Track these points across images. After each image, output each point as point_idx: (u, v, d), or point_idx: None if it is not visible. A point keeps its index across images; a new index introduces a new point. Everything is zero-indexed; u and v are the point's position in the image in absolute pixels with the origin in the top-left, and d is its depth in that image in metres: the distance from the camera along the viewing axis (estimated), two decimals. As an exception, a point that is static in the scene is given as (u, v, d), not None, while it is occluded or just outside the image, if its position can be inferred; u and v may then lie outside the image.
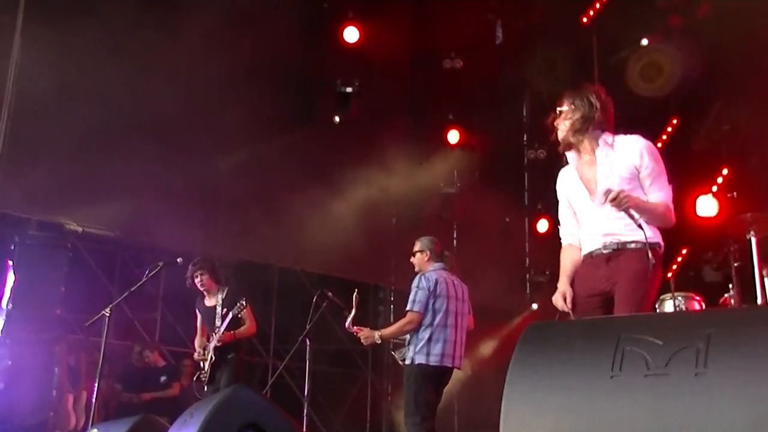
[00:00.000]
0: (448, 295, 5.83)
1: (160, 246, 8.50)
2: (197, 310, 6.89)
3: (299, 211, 9.80)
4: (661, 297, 6.55)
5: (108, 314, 5.77)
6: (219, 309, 6.64)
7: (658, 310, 6.47)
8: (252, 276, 10.17)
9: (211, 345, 6.58)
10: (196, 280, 6.72)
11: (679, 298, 6.37)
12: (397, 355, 5.85)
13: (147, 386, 8.81)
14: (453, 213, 11.40)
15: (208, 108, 9.17)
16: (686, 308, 6.31)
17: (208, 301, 6.83)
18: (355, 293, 5.86)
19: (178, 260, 6.31)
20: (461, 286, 5.97)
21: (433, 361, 5.66)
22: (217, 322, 6.61)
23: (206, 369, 6.63)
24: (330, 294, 6.33)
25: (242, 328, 6.68)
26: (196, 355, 6.78)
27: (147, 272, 6.06)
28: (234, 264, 9.32)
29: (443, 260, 6.05)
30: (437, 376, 5.69)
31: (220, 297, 6.69)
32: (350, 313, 5.78)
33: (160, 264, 6.13)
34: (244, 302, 6.49)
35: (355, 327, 5.79)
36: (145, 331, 9.75)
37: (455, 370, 5.81)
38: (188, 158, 8.98)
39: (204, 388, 6.65)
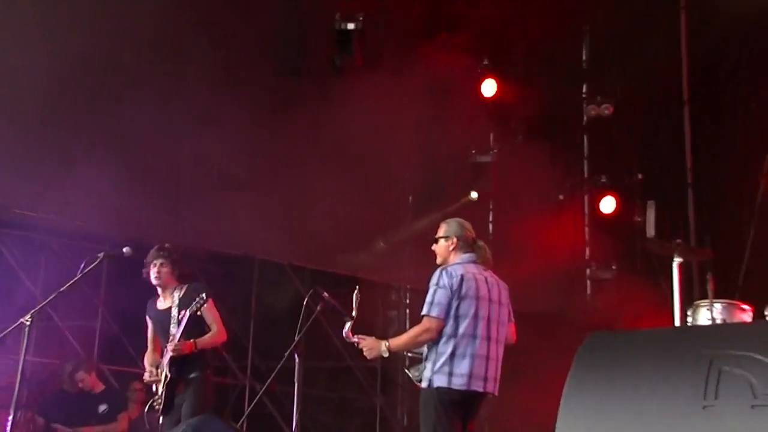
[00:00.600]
0: (477, 295, 5.81)
1: (101, 234, 8.52)
2: (147, 317, 6.98)
3: (286, 189, 9.91)
4: (695, 303, 6.75)
5: (28, 323, 5.85)
6: (174, 312, 6.75)
7: (690, 320, 6.57)
8: (226, 272, 10.22)
9: (166, 360, 6.66)
10: (153, 270, 6.85)
11: (718, 305, 6.56)
12: (412, 373, 5.90)
13: (81, 419, 8.82)
14: (488, 189, 11.43)
15: (169, 53, 9.24)
16: (729, 320, 6.44)
17: (162, 303, 6.93)
18: (355, 292, 5.91)
19: (125, 250, 6.35)
20: (498, 285, 5.97)
21: (458, 383, 5.66)
22: (173, 330, 6.72)
23: (160, 393, 6.70)
24: (326, 294, 6.41)
25: (206, 336, 6.76)
26: (146, 376, 6.84)
27: (82, 267, 6.15)
28: (202, 256, 9.34)
29: (474, 250, 6.02)
30: (463, 403, 5.69)
31: (176, 296, 6.81)
32: (351, 318, 5.87)
33: (101, 255, 6.22)
34: (204, 296, 6.57)
35: (355, 336, 5.84)
36: (80, 345, 9.77)
37: (488, 396, 5.80)
38: (137, 116, 9.06)
39: (159, 418, 6.72)
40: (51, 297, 6.13)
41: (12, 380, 6.24)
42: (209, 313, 6.78)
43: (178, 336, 6.64)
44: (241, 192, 9.58)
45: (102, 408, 8.92)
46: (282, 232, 9.81)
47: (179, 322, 6.68)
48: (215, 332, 6.80)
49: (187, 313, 6.59)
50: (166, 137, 9.34)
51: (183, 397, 6.71)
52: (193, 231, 9.51)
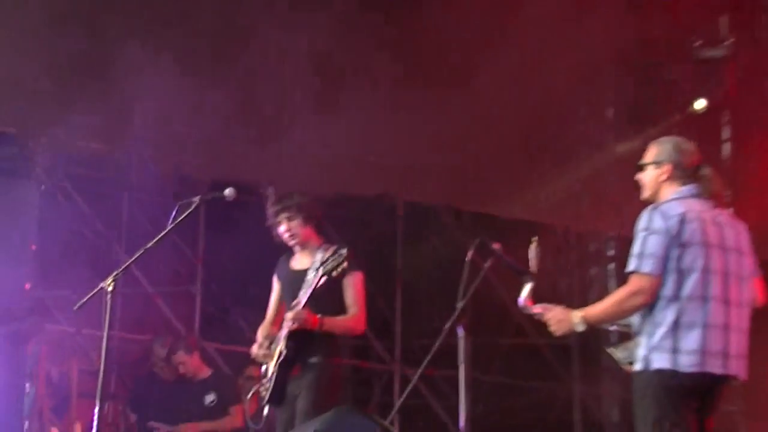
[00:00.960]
0: (706, 242, 5.75)
1: (194, 174, 8.94)
2: (276, 277, 7.28)
3: (435, 109, 10.04)
4: None
5: (110, 288, 5.91)
6: (311, 275, 6.92)
7: None
8: (359, 219, 10.48)
9: (283, 332, 6.88)
10: (282, 229, 7.12)
11: None
12: (620, 354, 5.95)
13: (183, 413, 9.08)
14: (720, 95, 11.32)
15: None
16: None
17: (298, 261, 7.18)
18: (533, 244, 6.02)
19: (227, 192, 6.45)
20: (734, 227, 5.92)
21: (686, 363, 5.60)
22: (302, 295, 6.90)
23: (270, 375, 6.94)
24: (497, 246, 6.42)
25: (339, 318, 6.95)
26: (254, 348, 7.13)
27: (174, 215, 6.24)
28: (324, 199, 9.46)
29: (698, 180, 5.93)
30: (695, 391, 5.66)
31: (318, 257, 6.98)
32: (530, 278, 5.96)
33: (196, 200, 6.32)
34: (344, 252, 6.73)
35: (536, 305, 5.89)
36: (176, 317, 10.07)
37: (733, 381, 5.75)
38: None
39: (263, 411, 6.99)
40: (136, 255, 6.25)
41: (95, 365, 6.37)
42: (352, 288, 6.94)
43: (303, 301, 6.82)
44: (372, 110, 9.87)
45: (209, 399, 9.16)
46: (430, 165, 10.10)
47: (313, 292, 6.86)
48: (353, 316, 6.97)
49: (323, 277, 6.76)
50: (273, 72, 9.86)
51: (298, 385, 6.91)
52: (303, 169, 9.87)
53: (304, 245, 7.17)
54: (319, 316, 6.84)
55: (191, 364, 9.18)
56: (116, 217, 10.14)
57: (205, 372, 9.29)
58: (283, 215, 7.14)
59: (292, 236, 7.16)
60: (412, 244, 10.96)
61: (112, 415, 8.90)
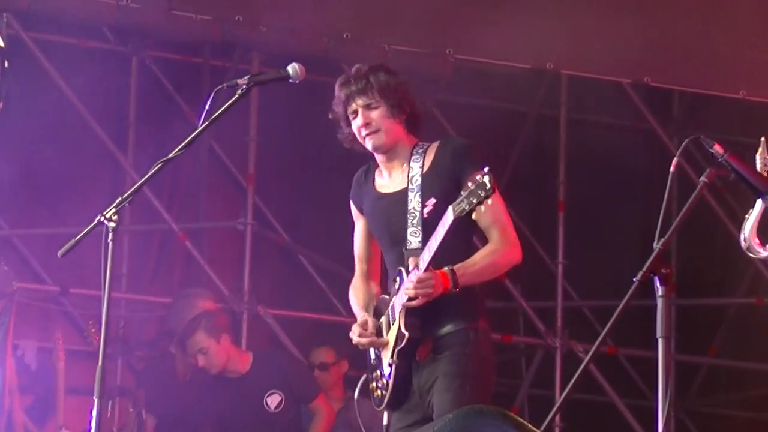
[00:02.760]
0: None
1: None
2: (354, 207, 7.48)
3: None
4: None
5: (112, 224, 6.14)
6: (415, 198, 7.12)
7: None
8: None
9: (398, 301, 7.02)
10: (357, 123, 7.20)
11: None
12: None
13: (239, 425, 9.33)
14: None
15: None
16: None
17: (386, 180, 7.34)
18: (764, 145, 6.15)
19: (291, 69, 6.61)
20: None
21: None
22: (412, 236, 7.07)
23: (387, 366, 7.06)
24: (719, 149, 6.27)
25: (479, 256, 7.04)
26: (354, 332, 7.19)
27: (207, 106, 6.40)
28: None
29: None
30: None
31: (416, 166, 7.18)
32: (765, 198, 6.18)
33: (243, 82, 6.52)
34: (487, 180, 6.71)
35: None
36: (215, 269, 10.13)
37: None
38: None
39: (381, 408, 7.13)
40: (151, 171, 6.35)
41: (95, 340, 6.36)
42: (491, 210, 6.86)
43: (425, 260, 6.86)
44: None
45: (273, 400, 9.34)
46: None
47: (424, 225, 6.97)
48: (499, 244, 7.03)
49: (450, 213, 6.76)
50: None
51: (431, 372, 6.96)
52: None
53: (388, 149, 7.21)
54: (447, 270, 6.82)
55: (219, 354, 9.34)
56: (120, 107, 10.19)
57: (245, 361, 9.46)
58: (361, 99, 7.11)
59: (373, 136, 7.15)
60: (580, 149, 10.82)
61: (117, 418, 8.92)
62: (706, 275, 11.24)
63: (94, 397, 6.16)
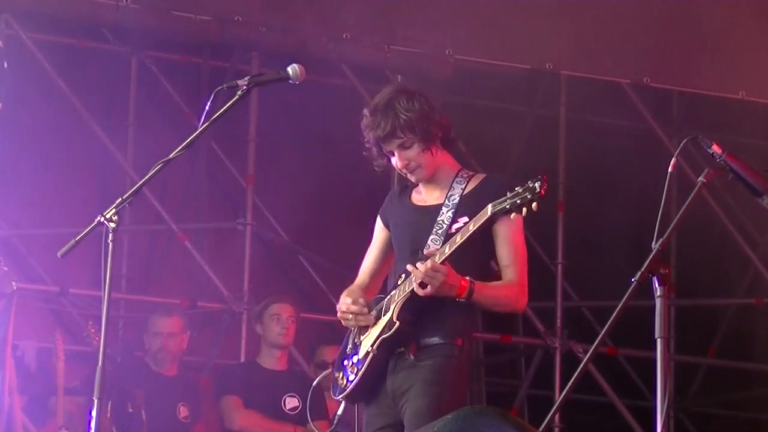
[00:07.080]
0: None
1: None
2: (380, 221, 7.46)
3: None
4: None
5: (112, 224, 6.12)
6: (447, 214, 7.12)
7: None
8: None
9: (397, 293, 7.01)
10: (396, 162, 7.16)
11: None
12: None
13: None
14: None
15: None
16: None
17: (424, 194, 7.31)
18: None
19: (291, 70, 6.57)
20: None
21: None
22: (430, 244, 7.04)
23: (359, 356, 7.06)
24: (720, 150, 6.31)
25: (497, 284, 7.06)
26: (342, 305, 7.18)
27: (207, 107, 6.41)
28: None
29: None
30: None
31: (458, 188, 7.18)
32: None
33: (243, 83, 6.47)
34: (537, 186, 6.73)
35: None
36: (215, 269, 10.15)
37: None
38: None
39: (340, 396, 7.14)
40: (151, 172, 6.35)
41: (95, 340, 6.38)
42: (511, 239, 6.98)
43: (445, 252, 6.87)
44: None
45: (291, 402, 9.73)
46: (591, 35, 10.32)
47: (447, 236, 6.94)
48: (513, 284, 7.02)
49: (489, 209, 6.79)
50: None
51: (407, 377, 6.95)
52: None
53: (430, 179, 7.20)
54: (469, 279, 6.80)
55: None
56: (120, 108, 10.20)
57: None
58: (394, 143, 7.03)
59: (409, 167, 7.10)
60: (579, 150, 10.82)
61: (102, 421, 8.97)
62: (705, 275, 11.32)
63: (93, 396, 6.14)
